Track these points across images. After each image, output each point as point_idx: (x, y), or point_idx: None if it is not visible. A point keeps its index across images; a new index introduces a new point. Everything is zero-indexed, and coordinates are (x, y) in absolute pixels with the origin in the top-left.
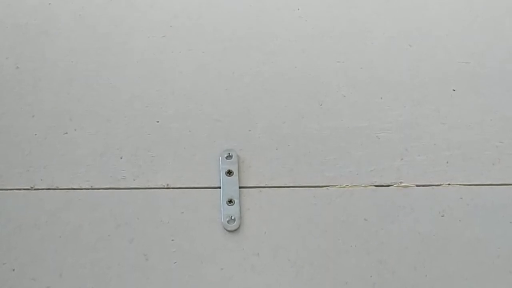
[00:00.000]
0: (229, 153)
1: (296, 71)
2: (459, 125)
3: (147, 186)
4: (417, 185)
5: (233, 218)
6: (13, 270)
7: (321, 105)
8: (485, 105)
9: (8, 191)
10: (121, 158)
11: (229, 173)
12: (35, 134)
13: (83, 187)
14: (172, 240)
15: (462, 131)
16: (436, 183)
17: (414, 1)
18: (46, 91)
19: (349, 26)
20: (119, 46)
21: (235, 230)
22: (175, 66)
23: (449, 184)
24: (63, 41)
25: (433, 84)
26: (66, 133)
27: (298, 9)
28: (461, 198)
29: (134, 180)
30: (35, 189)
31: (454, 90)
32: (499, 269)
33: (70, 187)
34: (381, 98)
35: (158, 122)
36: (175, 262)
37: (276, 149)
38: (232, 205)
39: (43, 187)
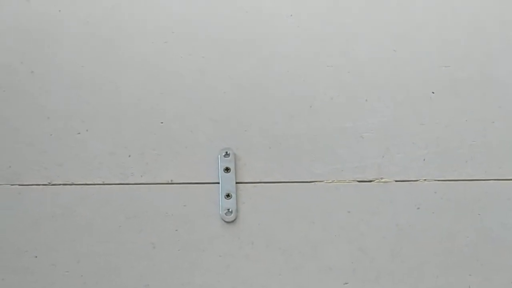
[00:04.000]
0: (226, 152)
1: (288, 75)
2: (437, 126)
3: (153, 182)
4: (396, 181)
5: (230, 210)
6: (36, 257)
7: (310, 107)
8: (462, 107)
9: (28, 186)
10: (129, 156)
11: (227, 170)
12: (51, 135)
13: (96, 182)
14: (176, 230)
15: (439, 131)
16: (414, 179)
17: (399, 8)
18: (58, 94)
19: (338, 32)
20: (124, 51)
21: (232, 221)
22: (177, 70)
23: (425, 180)
24: (73, 47)
25: (414, 87)
26: (79, 133)
27: (291, 16)
28: (435, 192)
29: (141, 176)
30: (52, 185)
31: (433, 93)
32: (467, 256)
33: (84, 182)
34: (366, 100)
35: (162, 123)
36: (178, 250)
37: (269, 148)
38: (230, 199)
39: (59, 183)
